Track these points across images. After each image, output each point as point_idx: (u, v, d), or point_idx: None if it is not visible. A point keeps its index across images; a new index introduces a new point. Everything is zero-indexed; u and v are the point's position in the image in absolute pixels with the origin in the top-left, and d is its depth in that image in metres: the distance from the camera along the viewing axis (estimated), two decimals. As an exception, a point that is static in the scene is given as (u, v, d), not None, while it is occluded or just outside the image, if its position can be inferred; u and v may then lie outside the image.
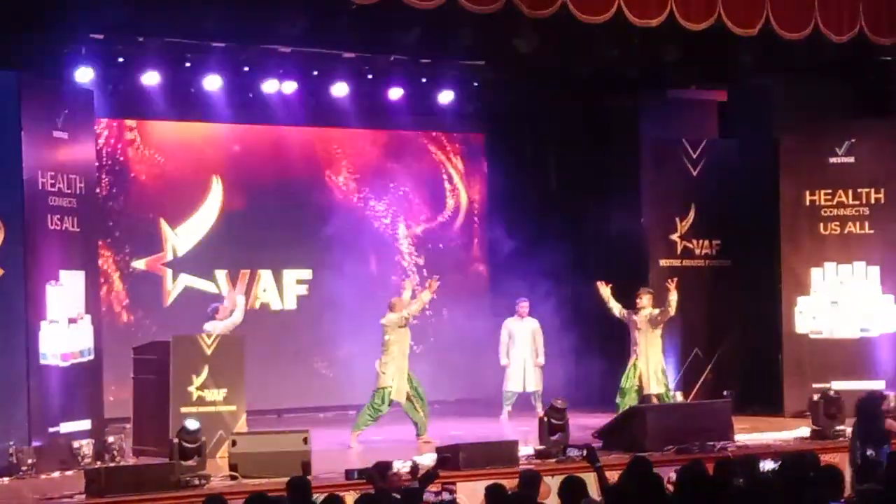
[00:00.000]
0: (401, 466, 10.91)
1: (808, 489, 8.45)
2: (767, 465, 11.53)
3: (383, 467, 10.40)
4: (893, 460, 9.94)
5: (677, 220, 18.87)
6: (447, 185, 20.46)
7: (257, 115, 18.53)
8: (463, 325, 19.22)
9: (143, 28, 16.20)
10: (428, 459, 12.84)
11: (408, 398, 15.57)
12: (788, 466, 9.49)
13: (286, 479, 9.82)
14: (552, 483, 12.45)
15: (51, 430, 13.84)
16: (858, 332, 18.00)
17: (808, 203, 18.24)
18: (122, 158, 18.23)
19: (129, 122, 18.26)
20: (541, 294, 18.92)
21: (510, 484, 10.05)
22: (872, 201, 18.11)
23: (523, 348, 18.40)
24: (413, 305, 15.77)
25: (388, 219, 19.99)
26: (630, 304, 16.48)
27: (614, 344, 17.66)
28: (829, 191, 18.19)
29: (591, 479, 10.28)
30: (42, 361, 13.79)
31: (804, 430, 15.54)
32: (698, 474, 8.67)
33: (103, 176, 17.64)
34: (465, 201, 20.61)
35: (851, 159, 18.16)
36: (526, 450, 13.86)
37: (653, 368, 16.27)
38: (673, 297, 16.15)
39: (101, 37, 16.26)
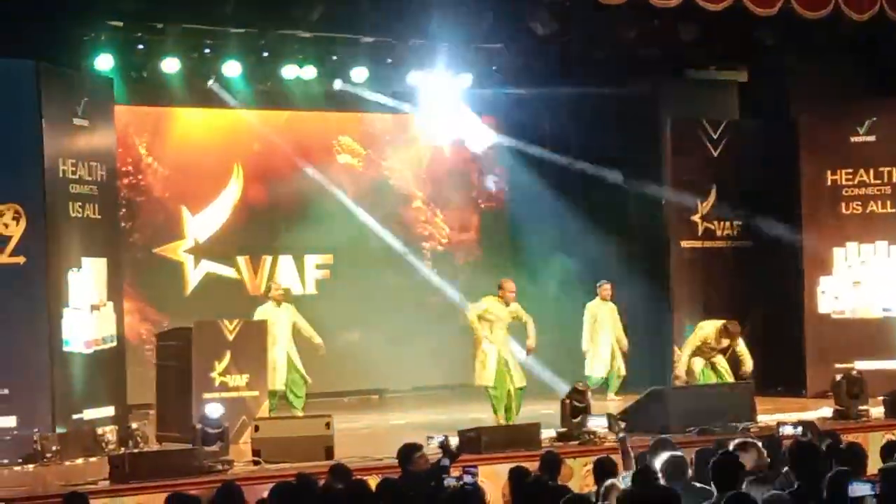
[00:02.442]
0: (433, 444, 10.92)
1: (827, 465, 8.43)
2: (787, 430, 11.58)
3: (410, 450, 10.39)
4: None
5: (698, 201, 18.82)
6: (469, 170, 20.43)
7: (277, 100, 18.53)
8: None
9: (162, 15, 16.21)
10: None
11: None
12: (809, 431, 9.52)
13: (309, 463, 9.82)
14: (574, 465, 12.49)
15: (75, 416, 13.90)
16: (881, 312, 17.97)
17: (829, 183, 18.20)
18: (142, 145, 18.26)
19: (149, 109, 18.28)
20: (561, 278, 18.90)
21: (532, 467, 10.06)
22: (894, 180, 18.05)
23: (609, 331, 18.05)
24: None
25: (410, 204, 19.98)
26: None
27: (635, 331, 17.69)
28: (851, 170, 18.13)
29: (619, 459, 10.32)
30: (65, 348, 13.84)
31: (827, 411, 15.51)
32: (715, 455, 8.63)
33: (123, 163, 17.66)
34: (488, 187, 20.59)
35: (873, 138, 18.11)
36: (548, 432, 13.85)
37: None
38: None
39: (120, 24, 16.29)
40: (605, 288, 18.11)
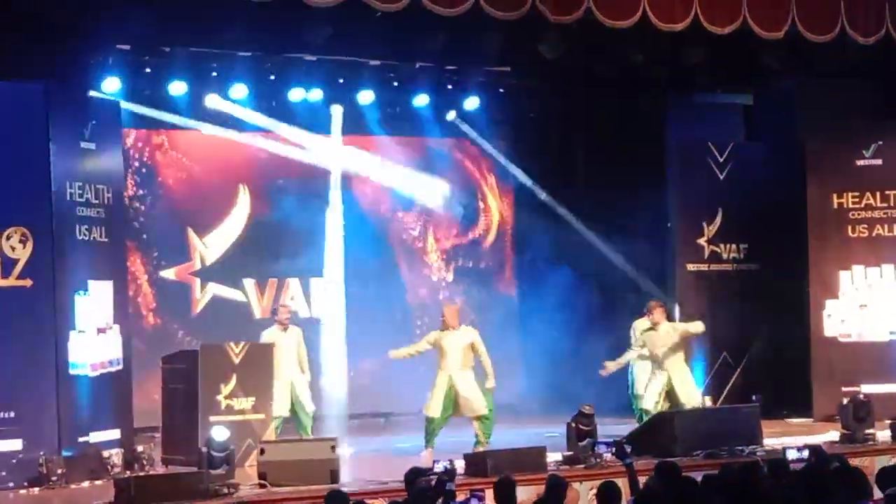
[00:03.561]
0: (438, 468, 10.92)
1: (835, 491, 8.42)
2: (792, 454, 11.57)
3: (414, 475, 10.36)
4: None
5: (704, 224, 18.83)
6: (475, 193, 20.43)
7: (284, 123, 18.54)
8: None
9: (169, 38, 16.28)
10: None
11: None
12: (815, 455, 9.51)
13: (315, 487, 9.79)
14: (581, 489, 12.46)
15: (80, 439, 13.89)
16: (888, 335, 17.96)
17: (835, 206, 18.20)
18: (149, 168, 18.29)
19: (156, 132, 18.31)
20: (568, 300, 18.88)
21: (538, 490, 10.03)
22: (901, 203, 18.08)
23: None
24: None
25: (416, 230, 20.00)
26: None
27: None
28: (857, 193, 18.14)
29: (625, 484, 10.26)
30: (71, 371, 13.84)
31: (833, 434, 15.49)
32: (725, 480, 8.64)
33: (131, 186, 17.70)
34: (496, 213, 20.57)
35: (879, 161, 18.13)
36: (554, 456, 13.84)
37: (686, 382, 16.10)
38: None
39: (127, 47, 16.35)
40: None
